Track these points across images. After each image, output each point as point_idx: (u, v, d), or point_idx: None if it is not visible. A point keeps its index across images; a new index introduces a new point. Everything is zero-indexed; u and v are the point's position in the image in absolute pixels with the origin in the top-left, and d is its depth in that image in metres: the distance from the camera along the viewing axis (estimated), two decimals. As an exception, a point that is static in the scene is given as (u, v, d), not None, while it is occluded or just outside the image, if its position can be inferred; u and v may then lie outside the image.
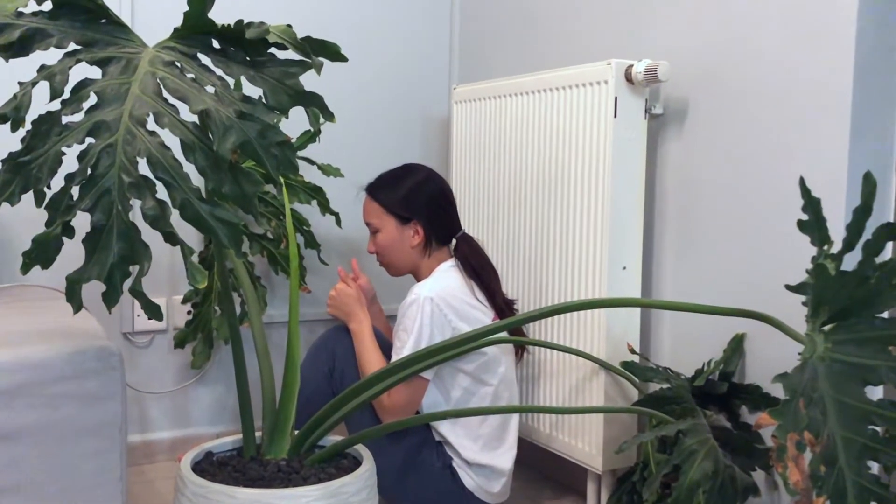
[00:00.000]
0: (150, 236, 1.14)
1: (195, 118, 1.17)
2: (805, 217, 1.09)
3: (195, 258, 1.95)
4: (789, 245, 1.56)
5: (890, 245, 1.12)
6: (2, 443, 1.22)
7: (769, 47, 1.61)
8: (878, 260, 1.07)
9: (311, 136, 2.17)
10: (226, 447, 1.50)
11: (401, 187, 1.86)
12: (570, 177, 1.88)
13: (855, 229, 1.06)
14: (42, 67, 1.18)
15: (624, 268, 1.81)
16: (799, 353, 1.09)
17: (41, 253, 1.11)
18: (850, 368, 1.05)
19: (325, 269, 2.34)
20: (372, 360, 1.79)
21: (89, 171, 1.10)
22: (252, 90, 1.23)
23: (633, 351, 1.81)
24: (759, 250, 1.64)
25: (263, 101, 1.18)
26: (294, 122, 1.94)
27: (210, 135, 1.14)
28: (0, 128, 1.18)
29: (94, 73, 1.17)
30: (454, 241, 1.89)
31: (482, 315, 1.80)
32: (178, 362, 2.32)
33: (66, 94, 1.16)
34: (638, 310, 1.86)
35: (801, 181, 1.08)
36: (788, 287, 1.10)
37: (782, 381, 1.03)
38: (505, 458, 1.83)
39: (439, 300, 1.74)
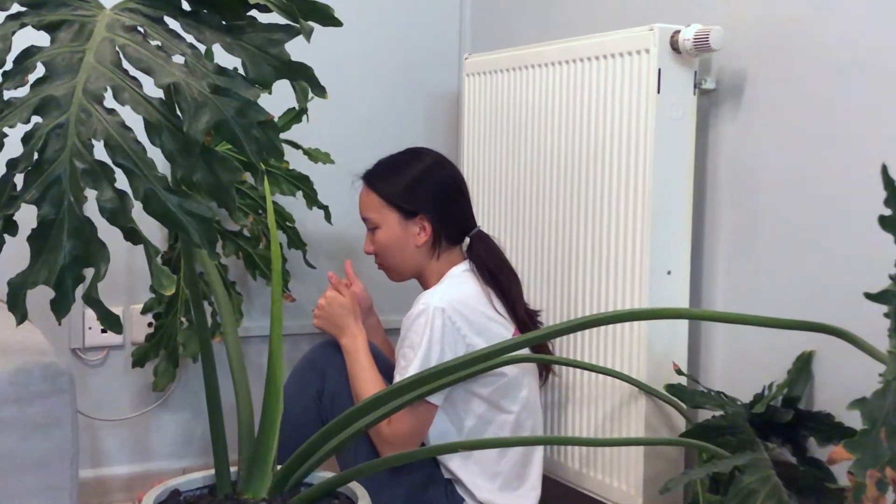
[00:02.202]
0: (108, 233, 1.14)
1: (161, 93, 1.17)
2: (888, 212, 1.08)
3: (160, 260, 1.95)
4: (868, 245, 1.56)
5: None
6: (-69, 478, 1.23)
7: (845, 8, 1.60)
8: (976, 263, 1.07)
9: (296, 115, 2.17)
10: (195, 485, 1.50)
11: (404, 175, 1.86)
12: (605, 164, 1.88)
13: (947, 226, 1.06)
14: (-20, 33, 1.18)
15: (669, 272, 1.81)
16: (880, 375, 1.08)
17: (-21, 253, 1.12)
18: (941, 393, 1.04)
19: (313, 273, 2.34)
20: (368, 382, 1.79)
21: (36, 156, 1.10)
22: (229, 60, 1.23)
23: (679, 371, 1.81)
24: (831, 252, 1.63)
25: (242, 73, 1.18)
26: (276, 99, 1.94)
27: (179, 113, 1.14)
28: (-70, 105, 1.19)
29: (42, 39, 1.17)
30: (467, 240, 1.89)
31: (502, 329, 1.80)
32: (138, 384, 2.32)
33: (9, 65, 1.16)
34: (685, 323, 1.86)
35: (884, 169, 1.08)
36: (868, 295, 1.09)
37: (860, 407, 1.03)
38: (527, 499, 1.83)
39: (452, 311, 1.74)
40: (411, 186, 1.85)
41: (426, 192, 1.85)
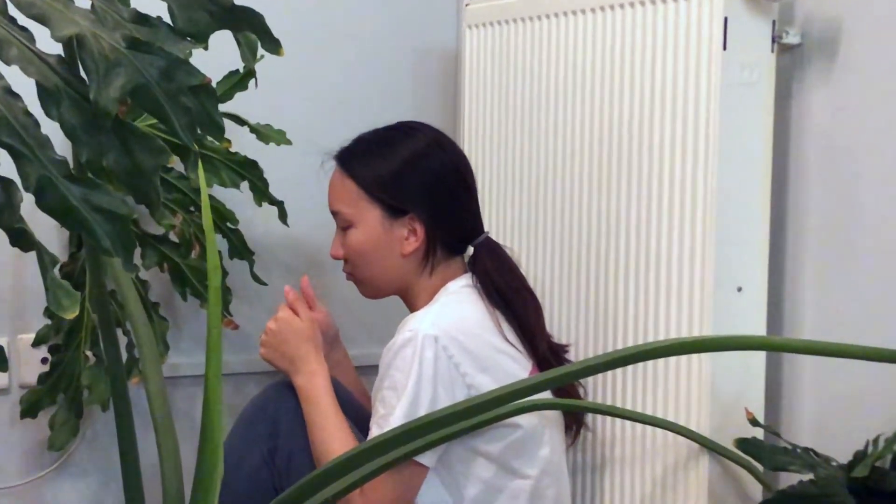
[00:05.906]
0: (-12, 237, 1.14)
1: (61, 49, 1.17)
2: None
3: (57, 272, 1.94)
4: None
5: None
6: None
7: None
8: None
9: (241, 80, 2.17)
10: (105, 574, 1.50)
11: (392, 159, 1.86)
12: (653, 145, 1.88)
13: None
14: None
15: (739, 289, 1.81)
16: None
17: None
18: None
19: (263, 291, 2.34)
20: (334, 436, 1.78)
21: None
22: (151, 5, 1.23)
23: (754, 422, 1.81)
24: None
25: (169, 21, 1.18)
26: (215, 57, 1.94)
27: (84, 75, 1.14)
28: None
29: None
30: (471, 250, 1.89)
31: (514, 365, 1.81)
32: (28, 440, 2.31)
33: None
34: (761, 356, 1.86)
35: None
36: None
37: None
38: None
39: (448, 340, 1.74)
40: (401, 174, 1.86)
41: (420, 182, 1.86)
